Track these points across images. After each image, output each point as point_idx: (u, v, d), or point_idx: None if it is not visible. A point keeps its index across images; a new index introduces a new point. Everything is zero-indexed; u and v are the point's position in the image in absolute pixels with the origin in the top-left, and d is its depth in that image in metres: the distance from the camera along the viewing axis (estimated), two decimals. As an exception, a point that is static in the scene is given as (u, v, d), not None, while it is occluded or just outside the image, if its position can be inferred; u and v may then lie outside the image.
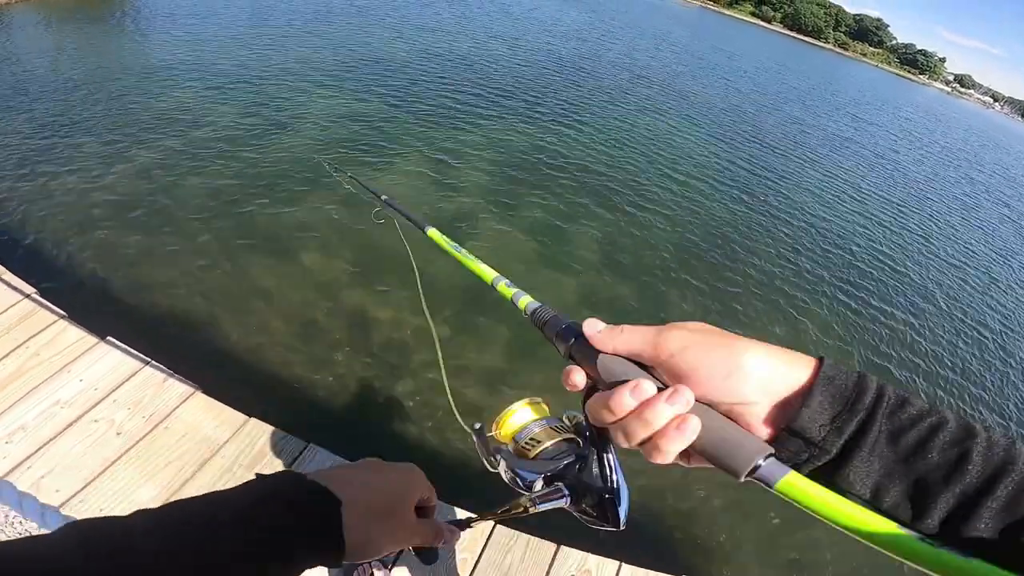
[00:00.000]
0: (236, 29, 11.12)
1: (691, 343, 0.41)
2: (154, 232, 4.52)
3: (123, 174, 5.25)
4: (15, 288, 2.78)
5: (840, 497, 0.36)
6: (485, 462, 0.67)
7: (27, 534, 1.55)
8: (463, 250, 0.76)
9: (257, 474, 0.46)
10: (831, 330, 5.53)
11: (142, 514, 0.38)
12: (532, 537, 2.16)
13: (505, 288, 0.64)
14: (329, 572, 1.88)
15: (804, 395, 0.39)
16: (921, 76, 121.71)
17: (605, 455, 0.56)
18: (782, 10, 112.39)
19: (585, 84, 12.76)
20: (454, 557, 2.04)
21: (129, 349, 2.59)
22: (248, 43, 10.25)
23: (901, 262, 7.84)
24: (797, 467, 0.39)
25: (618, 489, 0.56)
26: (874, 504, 0.38)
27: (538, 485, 0.59)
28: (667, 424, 0.39)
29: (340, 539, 0.44)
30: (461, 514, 2.17)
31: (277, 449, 2.30)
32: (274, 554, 0.40)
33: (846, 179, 11.18)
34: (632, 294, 5.16)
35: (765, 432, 0.40)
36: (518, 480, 0.61)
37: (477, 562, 2.06)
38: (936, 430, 0.37)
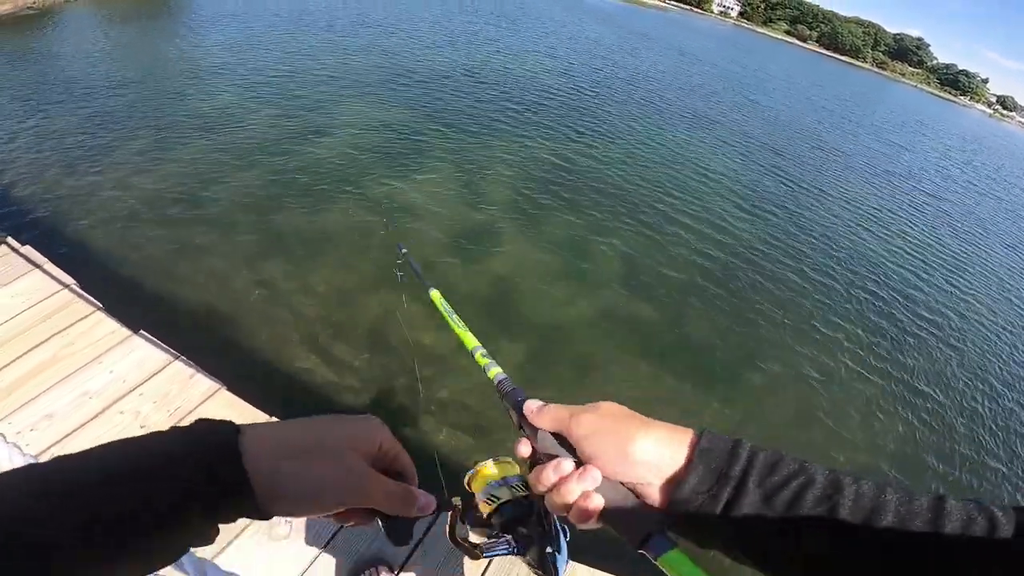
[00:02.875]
0: (276, 36, 11.52)
1: (595, 430, 0.48)
2: (190, 230, 4.67)
3: (164, 173, 5.46)
4: (55, 278, 2.89)
5: None
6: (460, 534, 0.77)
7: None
8: (455, 316, 0.84)
9: (172, 427, 0.41)
10: (853, 356, 5.35)
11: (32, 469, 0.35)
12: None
13: (481, 358, 0.71)
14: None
15: (685, 472, 0.45)
16: (962, 97, 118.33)
17: (549, 516, 0.66)
18: (818, 28, 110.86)
19: (616, 101, 12.78)
20: (462, 570, 2.03)
21: (159, 343, 2.66)
22: (288, 50, 10.59)
23: (933, 295, 7.55)
24: (690, 532, 0.45)
25: (557, 549, 0.66)
26: (762, 564, 0.42)
27: (488, 539, 0.71)
28: (578, 497, 0.46)
29: (242, 475, 0.37)
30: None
31: (295, 449, 2.32)
32: (164, 498, 0.35)
33: (879, 206, 10.85)
34: (652, 313, 5.10)
35: (659, 503, 0.46)
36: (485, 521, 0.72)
37: (484, 573, 2.04)
38: (805, 488, 0.41)
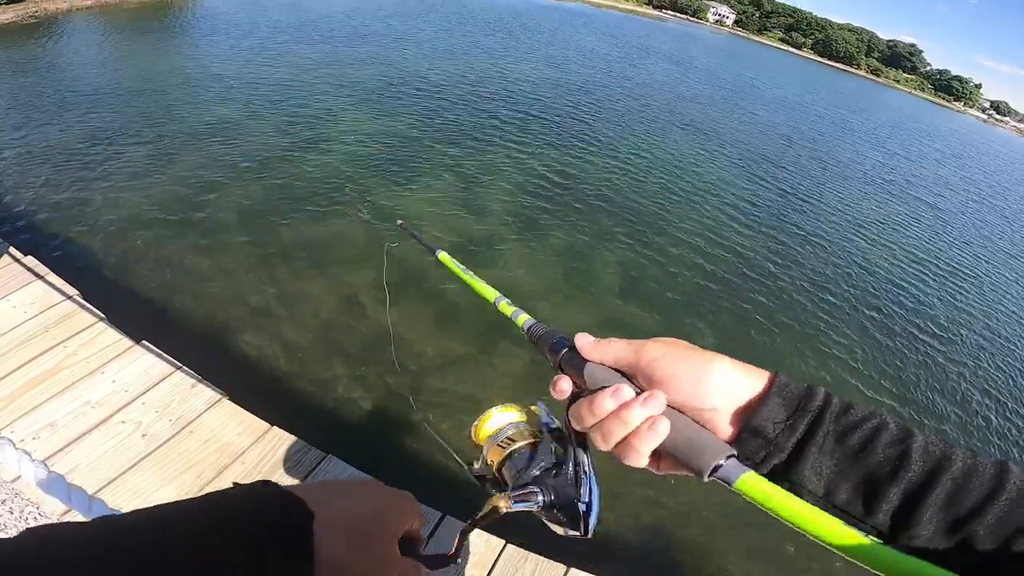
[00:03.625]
0: (279, 46, 11.60)
1: (667, 353, 0.46)
2: (192, 240, 4.70)
3: (166, 183, 5.49)
4: (58, 289, 2.91)
5: (794, 497, 0.39)
6: (466, 467, 0.70)
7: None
8: (470, 272, 0.81)
9: (234, 483, 0.42)
10: (850, 363, 5.37)
11: (88, 530, 0.34)
12: (542, 558, 2.14)
13: (506, 307, 0.69)
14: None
15: (761, 400, 0.43)
16: (956, 103, 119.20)
17: (581, 463, 0.58)
18: (813, 36, 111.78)
19: (613, 111, 12.88)
20: (467, 563, 2.04)
21: (161, 353, 2.68)
22: (288, 61, 10.67)
23: (928, 300, 7.60)
24: (756, 466, 0.43)
25: (590, 498, 0.57)
26: (828, 500, 0.41)
27: (512, 487, 0.60)
28: (641, 424, 0.43)
29: (310, 555, 0.39)
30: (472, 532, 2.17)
31: (296, 458, 2.34)
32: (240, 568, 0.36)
33: (877, 215, 10.92)
34: (653, 322, 5.12)
35: (728, 433, 0.44)
36: (495, 478, 0.63)
37: (491, 571, 2.06)
38: (879, 431, 0.41)
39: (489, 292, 0.74)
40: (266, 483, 0.42)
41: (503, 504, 0.58)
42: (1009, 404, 5.54)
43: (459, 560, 0.60)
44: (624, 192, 7.82)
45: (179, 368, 2.61)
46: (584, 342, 0.51)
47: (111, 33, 11.08)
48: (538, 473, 0.60)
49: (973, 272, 9.14)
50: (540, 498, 0.58)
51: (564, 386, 0.51)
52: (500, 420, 0.69)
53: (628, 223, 6.86)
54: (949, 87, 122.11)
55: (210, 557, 0.35)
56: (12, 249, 3.12)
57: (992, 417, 5.26)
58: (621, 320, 5.03)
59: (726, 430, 0.44)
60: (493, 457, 0.65)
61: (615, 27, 39.10)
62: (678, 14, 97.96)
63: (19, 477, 1.73)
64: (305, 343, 3.88)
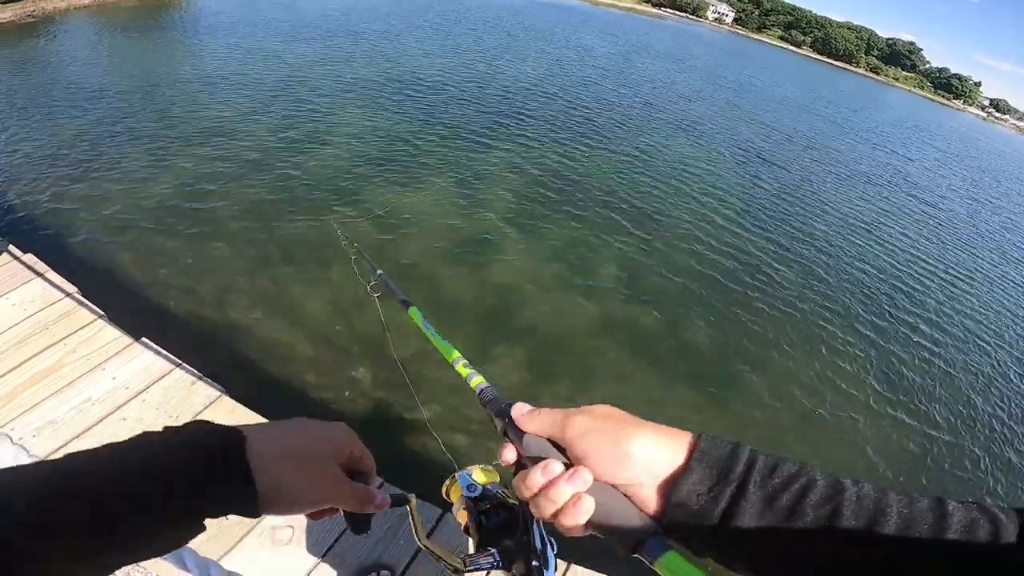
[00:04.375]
0: (276, 45, 11.59)
1: (589, 429, 0.46)
2: (191, 238, 4.70)
3: (165, 180, 5.49)
4: (58, 287, 2.91)
5: None
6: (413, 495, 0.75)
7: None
8: (434, 331, 0.84)
9: (165, 427, 0.45)
10: (852, 361, 5.39)
11: (34, 468, 0.37)
12: (543, 556, 2.14)
13: (463, 368, 0.70)
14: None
15: (683, 472, 0.43)
16: (956, 101, 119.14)
17: (532, 528, 0.62)
18: (812, 34, 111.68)
19: (612, 109, 12.88)
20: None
21: (161, 351, 2.68)
22: (287, 59, 10.66)
23: (925, 299, 7.61)
24: (686, 538, 0.43)
25: (544, 562, 0.62)
26: (756, 568, 0.41)
27: (471, 548, 0.66)
28: (567, 501, 0.44)
29: (249, 481, 0.42)
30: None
31: (296, 454, 2.34)
32: (178, 497, 0.39)
33: (876, 210, 10.95)
34: (651, 319, 5.13)
35: (655, 506, 0.44)
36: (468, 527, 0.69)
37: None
38: (807, 490, 0.40)
39: (451, 352, 0.76)
40: (198, 421, 0.46)
41: (460, 566, 0.65)
42: (1007, 406, 5.55)
43: (408, 501, 0.66)
44: (623, 190, 7.82)
45: (179, 365, 2.61)
46: (518, 413, 0.51)
47: (108, 32, 11.07)
48: (495, 530, 0.66)
49: (973, 273, 9.14)
50: (496, 560, 0.64)
51: (508, 455, 0.51)
52: (467, 483, 0.74)
53: (626, 220, 6.86)
54: (949, 85, 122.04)
55: (140, 488, 0.38)
56: (11, 247, 3.12)
57: (990, 417, 5.28)
58: (618, 317, 5.04)
59: (652, 503, 0.44)
60: (460, 519, 0.71)
61: (614, 25, 39.06)
62: (677, 12, 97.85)
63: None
64: (304, 340, 3.88)
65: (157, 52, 10.21)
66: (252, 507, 0.43)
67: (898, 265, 8.20)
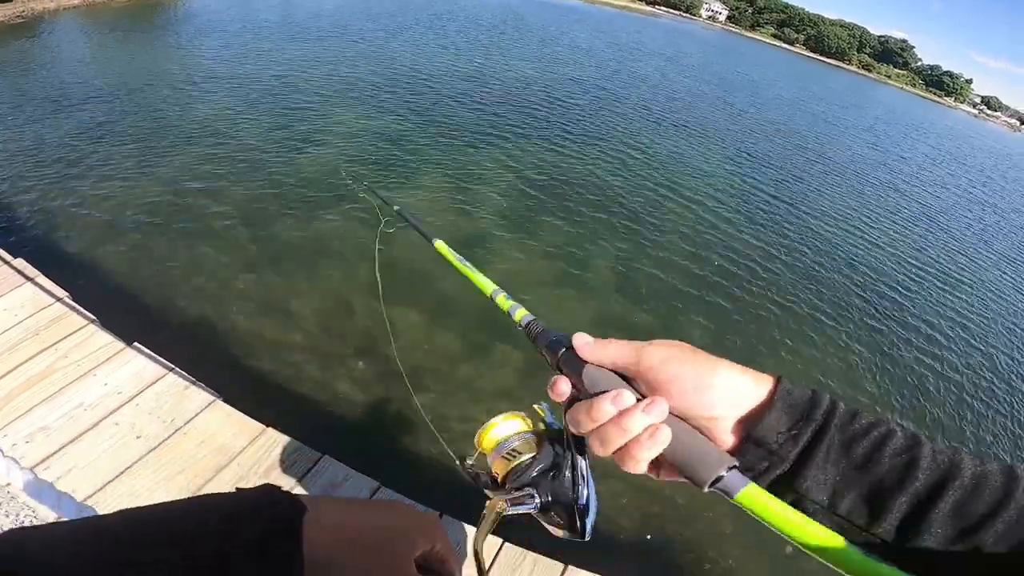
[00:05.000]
0: (268, 44, 11.52)
1: (668, 357, 0.44)
2: (183, 240, 4.66)
3: (156, 183, 5.45)
4: (48, 291, 2.88)
5: (794, 511, 0.38)
6: (466, 474, 0.70)
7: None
8: (467, 263, 0.79)
9: (237, 488, 0.45)
10: (850, 361, 5.41)
11: (70, 531, 0.37)
12: (540, 556, 2.14)
13: (503, 300, 0.67)
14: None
15: (764, 408, 0.42)
16: (948, 98, 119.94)
17: (578, 467, 0.58)
18: (805, 32, 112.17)
19: (606, 107, 12.88)
20: (460, 574, 2.03)
21: (154, 355, 2.65)
22: (279, 59, 10.60)
23: (920, 299, 7.65)
24: (759, 476, 0.42)
25: (587, 501, 0.58)
26: (832, 511, 0.40)
27: (513, 492, 0.62)
28: (642, 432, 0.42)
29: (291, 565, 0.41)
30: (469, 529, 2.16)
31: (292, 459, 2.32)
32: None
33: (870, 208, 10.99)
34: (647, 319, 5.13)
35: (731, 442, 0.43)
36: (495, 484, 0.64)
37: (488, 570, 2.05)
38: (885, 439, 0.40)
39: (487, 285, 0.72)
40: (270, 487, 0.45)
41: (501, 506, 0.60)
42: (1007, 405, 5.58)
43: None
44: (616, 188, 7.82)
45: (172, 370, 2.59)
46: (582, 342, 0.48)
47: (99, 32, 10.97)
48: (535, 475, 0.61)
49: (967, 272, 9.18)
50: (537, 500, 0.59)
51: (563, 388, 0.49)
52: (504, 430, 0.69)
53: (623, 220, 6.86)
54: (940, 82, 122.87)
55: (188, 556, 0.37)
56: (1, 251, 3.09)
57: (988, 415, 5.31)
58: (616, 316, 5.04)
59: (729, 439, 0.43)
60: (498, 469, 0.66)
61: (608, 24, 39.08)
62: (671, 10, 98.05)
63: (9, 483, 1.71)
64: (299, 343, 3.86)
65: (149, 52, 10.13)
66: None
67: (893, 265, 8.24)
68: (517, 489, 0.61)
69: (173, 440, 2.30)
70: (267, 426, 2.43)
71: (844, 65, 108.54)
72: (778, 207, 9.13)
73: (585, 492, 0.58)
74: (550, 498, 0.59)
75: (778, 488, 0.41)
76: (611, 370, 0.47)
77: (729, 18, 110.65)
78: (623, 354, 0.46)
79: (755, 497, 0.39)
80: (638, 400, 0.44)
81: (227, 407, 2.49)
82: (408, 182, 6.52)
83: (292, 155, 6.57)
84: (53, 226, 4.61)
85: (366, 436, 3.35)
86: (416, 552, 0.47)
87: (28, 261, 3.09)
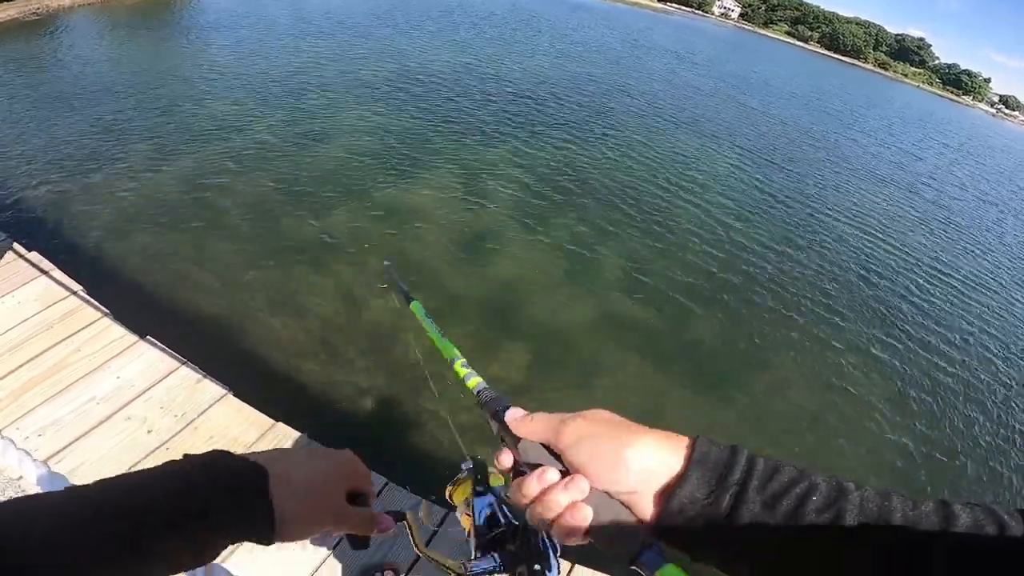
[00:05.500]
0: (280, 42, 11.56)
1: (584, 436, 0.45)
2: (196, 236, 4.69)
3: (169, 179, 5.49)
4: (63, 285, 2.91)
5: None
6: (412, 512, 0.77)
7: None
8: (435, 327, 0.82)
9: (185, 454, 0.49)
10: (860, 363, 5.33)
11: (44, 499, 0.39)
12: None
13: (460, 368, 0.69)
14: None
15: (680, 478, 0.41)
16: (965, 97, 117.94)
17: (539, 534, 0.63)
18: (820, 29, 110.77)
19: (617, 105, 12.80)
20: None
21: (167, 349, 2.67)
22: (290, 57, 10.63)
23: (936, 304, 7.51)
24: (687, 547, 0.42)
25: (545, 564, 0.62)
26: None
27: (475, 556, 0.68)
28: (564, 509, 0.43)
29: (269, 517, 0.46)
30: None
31: (301, 454, 2.33)
32: (199, 532, 0.42)
33: (884, 209, 10.82)
34: (654, 317, 5.09)
35: (651, 515, 0.43)
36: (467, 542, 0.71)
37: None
38: (807, 495, 0.39)
39: (449, 350, 0.74)
40: (220, 451, 0.49)
41: (461, 571, 0.65)
42: (1013, 412, 5.48)
43: (404, 518, 0.68)
44: (628, 187, 7.77)
45: (184, 363, 2.61)
46: (512, 417, 0.50)
47: (113, 29, 11.07)
48: (495, 537, 0.66)
49: (989, 279, 8.96)
50: (496, 563, 0.65)
51: (504, 460, 0.50)
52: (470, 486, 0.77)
53: (631, 217, 6.82)
54: (958, 81, 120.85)
55: (164, 515, 0.41)
56: (16, 245, 3.12)
57: (1004, 428, 5.21)
58: (622, 314, 5.01)
59: (650, 511, 0.43)
60: (464, 523, 0.72)
61: (619, 21, 38.82)
62: (683, 7, 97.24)
63: (22, 476, 1.72)
64: (309, 338, 3.87)
65: (161, 49, 10.20)
66: (268, 538, 0.47)
67: (909, 268, 8.10)
68: (480, 555, 0.66)
69: (184, 434, 2.32)
70: (277, 421, 2.43)
71: (860, 63, 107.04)
72: (791, 207, 9.02)
73: (546, 553, 0.63)
74: (511, 560, 0.65)
75: (707, 553, 0.41)
76: (543, 443, 0.48)
77: (742, 15, 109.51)
78: (544, 431, 0.47)
79: None
80: (564, 474, 0.45)
81: (238, 401, 2.50)
82: (420, 177, 6.52)
83: (304, 152, 6.60)
84: (68, 221, 4.65)
85: (374, 432, 3.35)
86: (346, 487, 0.54)
87: (43, 255, 3.12)
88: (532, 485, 0.45)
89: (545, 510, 0.44)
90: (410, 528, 0.73)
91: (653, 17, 56.47)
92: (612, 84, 14.75)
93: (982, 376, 5.77)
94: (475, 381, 0.65)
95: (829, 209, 9.48)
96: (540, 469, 0.45)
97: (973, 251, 9.95)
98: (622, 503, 0.43)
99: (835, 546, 0.37)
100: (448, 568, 0.66)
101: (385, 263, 1.40)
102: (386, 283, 1.46)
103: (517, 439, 0.49)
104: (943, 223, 11.06)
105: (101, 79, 7.92)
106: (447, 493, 0.75)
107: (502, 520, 0.69)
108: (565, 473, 0.45)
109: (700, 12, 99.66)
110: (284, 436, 2.38)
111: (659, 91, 15.64)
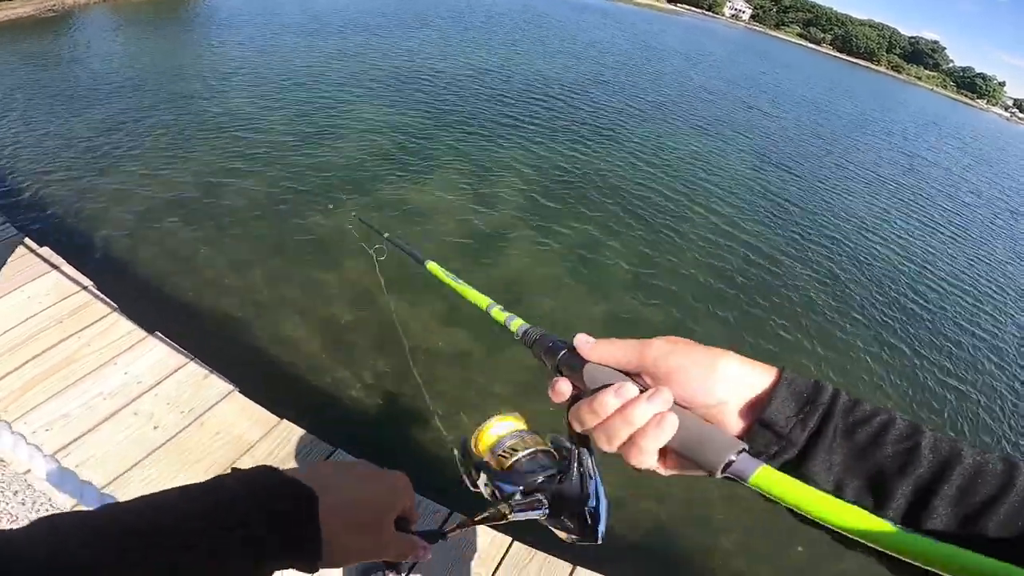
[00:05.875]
0: (290, 40, 11.63)
1: (672, 350, 0.45)
2: (205, 231, 4.73)
3: (180, 175, 5.54)
4: (72, 279, 2.94)
5: (812, 489, 0.37)
6: (466, 480, 0.67)
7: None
8: (460, 280, 0.79)
9: (233, 468, 0.46)
10: (870, 368, 5.27)
11: (90, 518, 0.37)
12: (548, 556, 2.12)
13: (498, 313, 0.66)
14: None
15: (771, 393, 0.42)
16: (979, 100, 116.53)
17: (585, 465, 0.55)
18: (832, 31, 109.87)
19: (626, 105, 12.75)
20: (468, 573, 2.02)
21: (175, 345, 2.69)
22: (301, 54, 10.69)
23: (944, 302, 7.44)
24: (769, 460, 0.42)
25: (598, 503, 0.55)
26: (837, 496, 0.39)
27: (517, 496, 0.58)
28: (647, 422, 0.42)
29: (317, 547, 0.44)
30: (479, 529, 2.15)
31: (305, 451, 2.34)
32: (241, 558, 0.40)
33: (896, 215, 10.68)
34: (662, 318, 5.06)
35: (738, 428, 0.43)
36: (497, 493, 0.60)
37: (495, 572, 2.04)
38: (887, 426, 0.41)
39: (481, 299, 0.71)
40: (269, 468, 0.47)
41: (506, 511, 0.57)
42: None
43: (446, 537, 0.63)
44: (638, 189, 7.74)
45: (192, 360, 2.62)
46: (583, 341, 0.49)
47: (127, 26, 11.18)
48: (541, 480, 0.58)
49: (1005, 287, 8.86)
50: (544, 507, 0.57)
51: (563, 388, 0.49)
52: (500, 429, 0.67)
53: (642, 220, 6.79)
54: (972, 84, 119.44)
55: (204, 539, 0.39)
56: (27, 240, 3.15)
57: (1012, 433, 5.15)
58: (632, 314, 4.98)
59: (735, 425, 0.43)
60: (498, 466, 0.63)
61: (629, 22, 38.71)
62: (693, 8, 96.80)
63: (30, 470, 1.74)
64: (315, 336, 3.88)
65: (175, 46, 10.29)
66: (312, 567, 0.45)
67: (921, 273, 8.00)
68: (524, 496, 0.58)
69: (190, 430, 2.33)
70: (281, 418, 2.44)
71: (872, 65, 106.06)
72: (802, 211, 8.95)
73: (593, 494, 0.55)
74: (558, 505, 0.56)
75: (785, 472, 0.40)
76: (613, 367, 0.47)
77: (753, 16, 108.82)
78: (625, 350, 0.46)
79: (770, 479, 0.38)
80: (642, 391, 0.44)
81: (243, 398, 2.51)
82: (427, 176, 6.53)
83: (313, 149, 6.63)
84: (79, 216, 4.70)
85: (379, 430, 3.36)
86: (395, 515, 0.52)
87: (54, 250, 3.15)
88: (609, 399, 0.44)
89: (625, 424, 0.43)
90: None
91: (663, 18, 56.25)
92: (622, 86, 14.70)
93: (995, 385, 5.69)
94: (517, 323, 0.63)
95: (840, 214, 9.39)
96: (616, 384, 0.44)
97: (987, 260, 9.80)
98: (705, 418, 0.43)
99: (908, 476, 0.39)
100: (493, 514, 0.58)
101: (384, 235, 1.27)
102: (382, 257, 1.34)
103: (582, 365, 0.48)
104: (957, 230, 10.92)
105: (116, 76, 8.00)
106: (471, 444, 0.67)
107: (547, 462, 0.61)
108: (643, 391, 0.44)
109: (710, 13, 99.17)
110: (289, 434, 2.39)
111: (669, 93, 15.57)
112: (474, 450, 0.67)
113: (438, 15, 19.16)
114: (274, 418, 2.44)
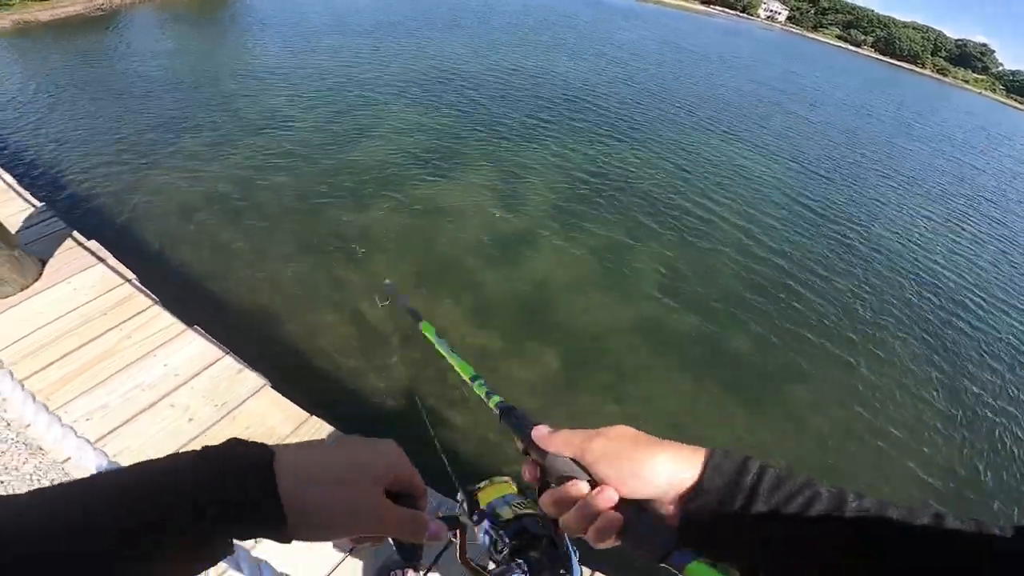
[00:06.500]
0: (325, 41, 11.84)
1: (608, 452, 0.49)
2: (243, 228, 4.84)
3: (221, 171, 5.69)
4: (118, 272, 3.03)
5: None
6: (467, 518, 0.80)
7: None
8: (448, 347, 0.85)
9: (204, 446, 0.43)
10: (903, 380, 5.06)
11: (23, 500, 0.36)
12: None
13: (479, 387, 0.73)
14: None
15: (696, 485, 0.46)
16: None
17: (561, 536, 0.67)
18: (874, 34, 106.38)
19: (658, 108, 12.59)
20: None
21: (211, 339, 2.74)
22: (335, 55, 10.89)
23: (990, 323, 7.09)
24: (704, 548, 0.44)
25: (571, 565, 0.66)
26: (772, 572, 0.43)
27: (501, 553, 0.71)
28: (597, 519, 0.47)
29: (276, 500, 0.40)
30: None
31: (334, 450, 2.35)
32: (204, 518, 0.38)
33: (941, 226, 10.23)
34: (692, 323, 4.96)
35: (674, 520, 0.47)
36: (497, 541, 0.72)
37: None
38: (812, 501, 0.43)
39: (466, 370, 0.77)
40: (232, 441, 0.44)
41: (491, 574, 0.66)
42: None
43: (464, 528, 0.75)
44: (667, 192, 7.62)
45: (228, 354, 2.67)
46: (539, 434, 0.54)
47: (172, 25, 11.56)
48: (520, 546, 0.68)
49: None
50: (523, 571, 0.67)
51: (530, 473, 0.55)
52: (496, 492, 0.78)
53: (670, 224, 6.67)
54: (1023, 89, 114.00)
55: (164, 516, 0.37)
56: (75, 233, 3.27)
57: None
58: (657, 320, 4.90)
59: (672, 516, 0.47)
60: (502, 519, 0.74)
61: (660, 22, 38.22)
62: (727, 10, 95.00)
63: (69, 459, 1.79)
64: (347, 333, 3.93)
65: (216, 44, 10.60)
66: (281, 531, 0.41)
67: (966, 291, 7.64)
68: (504, 562, 0.68)
69: (222, 424, 2.37)
70: (312, 414, 2.47)
71: (917, 68, 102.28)
72: (839, 219, 8.65)
73: (568, 561, 0.67)
74: (537, 567, 0.67)
75: (724, 553, 0.44)
76: (569, 457, 0.51)
77: (789, 18, 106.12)
78: (571, 446, 0.51)
79: (701, 571, 0.42)
80: (592, 488, 0.49)
81: (274, 393, 2.55)
82: (457, 175, 6.56)
83: (347, 148, 6.73)
84: (125, 211, 4.87)
85: (407, 428, 3.37)
86: (381, 480, 0.47)
87: (100, 243, 3.25)
88: (567, 495, 0.49)
89: (580, 519, 0.48)
90: (460, 538, 0.75)
91: (696, 19, 55.36)
92: (654, 89, 14.50)
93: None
94: (495, 400, 0.69)
95: (881, 224, 9.05)
96: (572, 481, 0.49)
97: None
98: (647, 510, 0.48)
99: (834, 545, 0.41)
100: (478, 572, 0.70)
101: (386, 282, 1.46)
102: (387, 301, 1.44)
103: (544, 454, 0.53)
104: (1006, 243, 10.42)
105: (159, 74, 8.27)
106: (477, 493, 0.78)
107: (530, 529, 0.72)
108: (593, 484, 0.49)
109: (745, 15, 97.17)
110: (318, 429, 2.41)
111: (702, 96, 15.30)
112: (478, 499, 0.79)
113: (465, 18, 19.25)
114: (304, 413, 2.46)
